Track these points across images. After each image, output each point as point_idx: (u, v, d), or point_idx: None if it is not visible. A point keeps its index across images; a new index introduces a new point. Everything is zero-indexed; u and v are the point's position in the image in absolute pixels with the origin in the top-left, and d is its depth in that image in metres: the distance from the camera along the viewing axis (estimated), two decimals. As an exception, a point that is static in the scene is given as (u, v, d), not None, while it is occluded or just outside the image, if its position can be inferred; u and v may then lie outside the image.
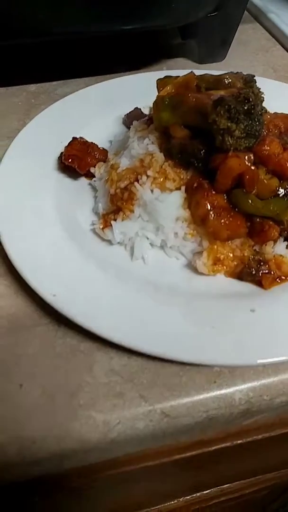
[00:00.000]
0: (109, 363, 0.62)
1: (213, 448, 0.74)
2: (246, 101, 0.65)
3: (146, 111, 0.93)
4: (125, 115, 0.93)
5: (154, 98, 0.92)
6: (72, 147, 0.79)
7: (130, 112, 0.92)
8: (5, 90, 1.05)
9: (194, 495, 0.98)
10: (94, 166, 0.81)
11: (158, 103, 0.71)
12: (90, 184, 0.82)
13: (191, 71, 0.76)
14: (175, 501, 0.97)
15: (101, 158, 0.81)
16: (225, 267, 0.68)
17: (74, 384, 0.60)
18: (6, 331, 0.65)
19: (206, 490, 0.98)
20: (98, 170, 0.80)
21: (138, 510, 0.95)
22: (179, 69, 1.09)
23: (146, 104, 0.93)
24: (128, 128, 0.91)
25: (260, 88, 0.75)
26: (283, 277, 0.67)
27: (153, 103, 0.73)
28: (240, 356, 0.59)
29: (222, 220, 0.66)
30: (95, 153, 0.80)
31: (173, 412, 0.59)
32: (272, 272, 0.67)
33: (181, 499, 0.97)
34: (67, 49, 1.06)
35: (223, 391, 0.61)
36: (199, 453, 0.74)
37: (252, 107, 0.65)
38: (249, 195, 0.66)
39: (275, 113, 0.80)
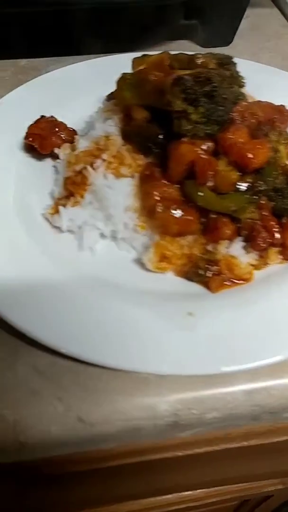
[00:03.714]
0: (34, 361, 0.57)
1: (157, 457, 0.69)
2: (207, 82, 0.58)
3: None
4: (106, 96, 0.87)
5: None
6: (36, 126, 0.74)
7: (110, 93, 0.85)
8: (-8, 63, 1.01)
9: (153, 498, 0.93)
10: (59, 147, 0.75)
11: (120, 82, 0.65)
12: (54, 166, 0.76)
13: (165, 51, 0.68)
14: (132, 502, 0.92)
15: (67, 139, 0.75)
16: (172, 265, 0.61)
17: (-7, 380, 0.56)
18: None
19: (164, 495, 0.92)
20: (63, 151, 0.74)
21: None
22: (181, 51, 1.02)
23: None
24: (108, 109, 0.85)
25: (239, 72, 0.68)
26: (235, 281, 0.60)
27: (116, 82, 0.67)
28: (169, 365, 0.53)
29: (172, 214, 0.59)
30: (61, 133, 0.75)
31: (89, 417, 0.54)
32: (222, 274, 0.60)
33: (137, 501, 0.92)
34: (64, 24, 1.00)
35: (146, 400, 0.55)
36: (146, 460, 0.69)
37: (214, 89, 0.58)
38: (201, 187, 0.59)
39: (258, 101, 0.72)
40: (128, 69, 0.90)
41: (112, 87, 0.87)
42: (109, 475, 0.77)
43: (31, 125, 0.75)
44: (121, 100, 0.66)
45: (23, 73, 0.98)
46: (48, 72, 0.98)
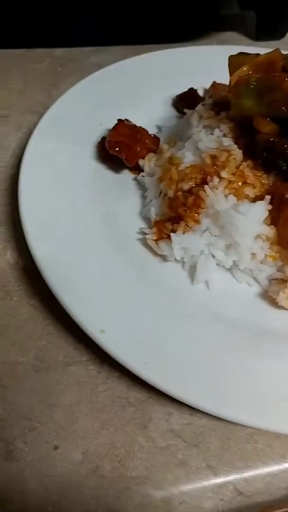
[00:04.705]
0: (168, 421, 0.50)
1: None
2: None
3: (200, 92, 0.79)
4: (176, 97, 0.78)
5: (208, 77, 0.78)
6: (118, 132, 0.65)
7: (183, 94, 0.78)
8: (26, 52, 0.89)
9: None
10: (143, 158, 0.66)
11: (240, 87, 0.57)
12: (136, 179, 0.67)
13: (277, 49, 0.61)
14: None
15: (151, 148, 0.67)
16: (314, 302, 0.55)
17: (124, 448, 0.47)
18: (33, 371, 0.51)
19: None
20: (148, 162, 0.66)
21: None
22: (232, 44, 0.95)
23: (199, 84, 0.80)
24: (179, 111, 0.78)
25: None
26: None
27: (233, 86, 0.59)
28: None
29: None
30: (146, 141, 0.65)
31: (248, 488, 0.47)
32: None
33: None
34: (102, 11, 0.90)
35: (308, 462, 0.49)
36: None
37: None
38: None
39: None
40: (189, 65, 0.83)
41: (177, 85, 0.79)
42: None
43: (111, 131, 0.65)
44: (239, 108, 0.57)
45: (61, 64, 0.88)
46: (90, 63, 0.88)
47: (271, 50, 0.79)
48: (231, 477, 0.47)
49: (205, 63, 0.82)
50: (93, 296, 0.52)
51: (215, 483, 0.47)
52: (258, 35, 0.97)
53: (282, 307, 0.55)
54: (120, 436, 0.48)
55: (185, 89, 0.78)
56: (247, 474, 0.47)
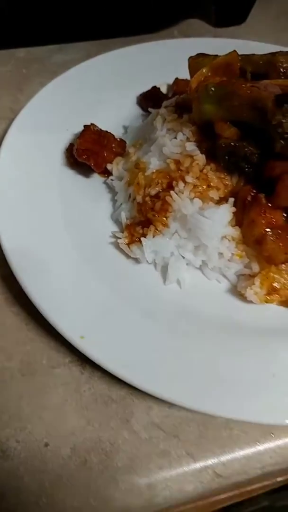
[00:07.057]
0: (148, 414, 0.56)
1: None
2: None
3: (163, 88, 0.84)
4: (140, 95, 0.83)
5: (170, 73, 0.83)
6: (85, 139, 0.70)
7: (146, 92, 0.82)
8: (-12, 55, 0.93)
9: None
10: (111, 162, 0.71)
11: (199, 92, 0.62)
12: (105, 183, 0.73)
13: (234, 50, 0.66)
14: None
15: (118, 152, 0.72)
16: (279, 296, 0.61)
17: (109, 442, 0.54)
18: (20, 375, 0.57)
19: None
20: (116, 166, 0.71)
21: None
22: (193, 34, 1.00)
23: (162, 79, 0.85)
24: (144, 110, 0.82)
25: None
26: None
27: (193, 91, 0.64)
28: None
29: (281, 243, 0.59)
30: (112, 145, 0.71)
31: (225, 471, 0.54)
32: None
33: None
34: (61, 6, 0.94)
35: (280, 443, 0.55)
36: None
37: None
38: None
39: None
40: (150, 61, 0.88)
41: (139, 82, 0.84)
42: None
43: (79, 138, 0.70)
44: (200, 113, 0.63)
45: (25, 66, 0.91)
46: (53, 63, 0.92)
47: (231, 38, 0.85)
48: (209, 462, 0.54)
49: (168, 57, 0.87)
50: (72, 303, 0.57)
51: (195, 468, 0.53)
52: (218, 22, 1.01)
53: (250, 302, 0.62)
54: (105, 431, 0.54)
55: (151, 85, 0.83)
56: (224, 458, 0.54)
